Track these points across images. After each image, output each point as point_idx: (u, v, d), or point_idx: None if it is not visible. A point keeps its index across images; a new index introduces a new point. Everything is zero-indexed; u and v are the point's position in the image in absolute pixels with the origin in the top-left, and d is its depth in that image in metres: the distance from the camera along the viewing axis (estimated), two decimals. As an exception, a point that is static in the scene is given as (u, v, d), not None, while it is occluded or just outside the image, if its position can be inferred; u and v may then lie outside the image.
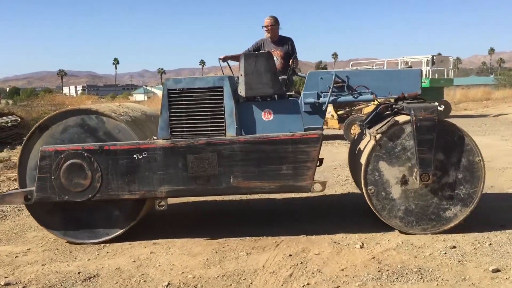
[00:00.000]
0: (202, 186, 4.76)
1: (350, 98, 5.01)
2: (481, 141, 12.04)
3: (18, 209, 6.55)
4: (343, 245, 4.61)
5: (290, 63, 5.45)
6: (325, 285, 3.76)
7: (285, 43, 5.86)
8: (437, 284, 3.70)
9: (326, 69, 71.58)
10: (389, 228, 4.84)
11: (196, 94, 4.82)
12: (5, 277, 4.15)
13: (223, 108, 4.81)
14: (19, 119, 16.69)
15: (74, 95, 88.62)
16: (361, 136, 5.48)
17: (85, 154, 4.72)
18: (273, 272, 4.06)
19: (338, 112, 13.73)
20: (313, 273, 4.00)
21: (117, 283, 3.97)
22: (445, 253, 4.28)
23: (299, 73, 5.78)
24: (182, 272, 4.12)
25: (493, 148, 10.80)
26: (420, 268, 3.98)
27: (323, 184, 4.82)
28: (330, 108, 13.37)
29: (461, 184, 4.70)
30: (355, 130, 12.38)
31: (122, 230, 4.92)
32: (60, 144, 4.82)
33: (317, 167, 6.05)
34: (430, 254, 4.27)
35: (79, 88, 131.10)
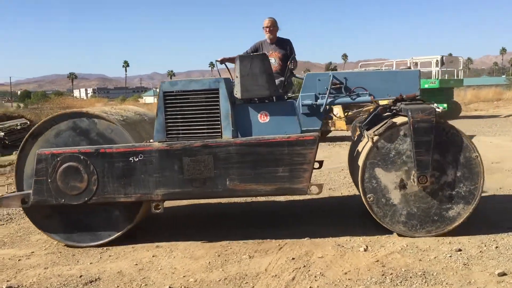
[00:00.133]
0: (198, 189, 4.74)
1: (347, 99, 4.95)
2: (491, 142, 11.93)
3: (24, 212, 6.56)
4: (347, 248, 4.56)
5: (288, 64, 5.40)
6: (327, 289, 3.71)
7: (283, 44, 5.83)
8: (442, 288, 3.64)
9: (336, 70, 71.37)
10: (394, 231, 4.78)
11: (192, 96, 4.80)
12: (7, 281, 4.16)
13: (219, 110, 4.78)
14: (28, 122, 16.82)
15: (85, 98, 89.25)
16: (360, 138, 5.43)
17: (81, 157, 4.73)
18: (276, 275, 4.01)
19: (346, 114, 13.62)
20: (315, 276, 3.95)
21: (118, 286, 3.95)
22: (451, 256, 4.20)
23: (297, 75, 5.73)
24: (184, 276, 4.09)
25: (503, 148, 10.66)
26: (424, 272, 3.91)
27: (320, 186, 4.77)
28: (338, 109, 13.28)
29: (461, 182, 4.63)
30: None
31: (119, 233, 4.91)
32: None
33: (318, 169, 6.03)
34: (435, 257, 4.20)
35: (90, 91, 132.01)
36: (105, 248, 4.87)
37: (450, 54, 26.01)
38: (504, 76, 68.27)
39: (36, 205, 4.81)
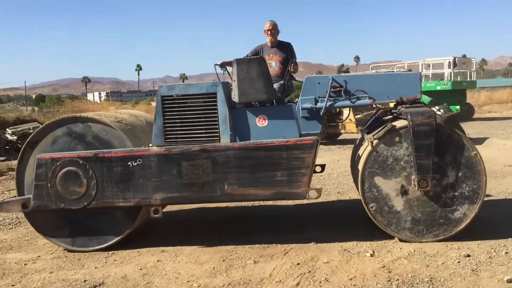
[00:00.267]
0: (197, 193, 4.72)
1: (347, 103, 4.91)
2: (504, 144, 11.75)
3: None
4: (353, 253, 4.50)
5: (288, 67, 5.37)
6: (331, 295, 3.67)
7: (284, 48, 5.79)
8: (448, 295, 3.57)
9: (349, 72, 71.08)
10: (402, 236, 4.70)
11: (190, 100, 4.79)
12: (12, 285, 4.17)
13: (216, 114, 4.76)
14: (41, 126, 16.96)
15: (98, 101, 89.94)
16: (361, 141, 5.37)
17: (80, 162, 4.74)
18: (280, 281, 3.97)
19: (356, 116, 13.55)
20: (320, 282, 3.90)
21: (121, 291, 3.94)
22: (459, 262, 4.12)
23: (297, 78, 5.69)
24: (188, 281, 4.07)
25: (516, 151, 10.49)
26: (431, 278, 3.84)
27: (319, 191, 4.71)
28: (348, 112, 13.20)
29: (463, 182, 4.55)
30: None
31: (118, 238, 4.91)
32: None
33: (320, 173, 5.97)
34: (442, 263, 4.12)
35: (103, 94, 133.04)
36: (110, 252, 4.87)
37: (464, 55, 25.75)
38: (519, 77, 67.34)
39: (37, 209, 4.84)
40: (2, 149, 14.61)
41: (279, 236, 5.05)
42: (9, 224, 6.31)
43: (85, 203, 4.76)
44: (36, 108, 52.09)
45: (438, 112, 4.54)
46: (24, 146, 4.99)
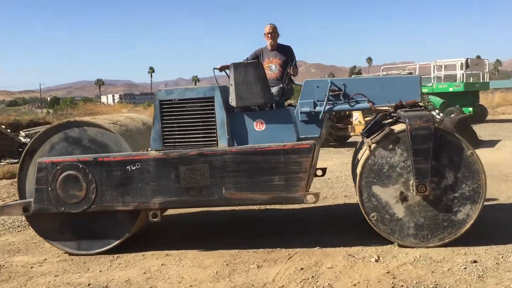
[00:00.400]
0: (195, 198, 4.72)
1: (346, 106, 4.89)
2: (516, 147, 11.57)
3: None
4: (358, 258, 4.45)
5: (287, 70, 5.35)
6: (334, 301, 3.63)
7: (284, 51, 5.76)
8: (453, 302, 3.51)
9: (361, 73, 70.68)
10: (407, 241, 4.64)
11: (188, 104, 4.80)
12: (17, 288, 4.21)
13: (214, 119, 4.76)
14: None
15: (112, 103, 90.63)
16: (361, 145, 5.33)
17: (80, 166, 4.77)
18: (283, 286, 3.95)
19: (366, 118, 13.47)
20: (323, 288, 3.87)
21: (124, 296, 3.95)
22: (465, 268, 4.06)
23: (296, 82, 5.66)
24: (190, 285, 4.06)
25: (528, 154, 10.34)
26: (436, 284, 3.79)
27: (316, 195, 4.68)
28: (357, 114, 13.14)
29: (462, 183, 4.49)
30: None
31: (118, 241, 4.93)
32: None
33: (322, 177, 5.94)
34: (448, 269, 4.06)
35: (116, 96, 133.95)
36: (115, 255, 4.89)
37: (478, 56, 25.47)
38: (534, 78, 66.37)
39: (37, 213, 4.89)
40: (16, 151, 14.77)
41: (284, 240, 5.03)
42: (18, 226, 6.37)
43: (85, 207, 4.80)
44: (51, 111, 52.71)
45: (437, 116, 4.48)
46: (23, 154, 5.06)
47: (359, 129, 13.54)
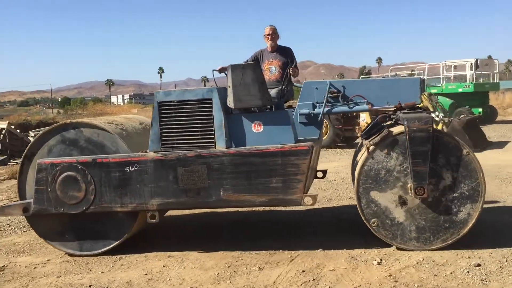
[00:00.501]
0: (193, 199, 4.71)
1: (345, 108, 4.86)
2: (525, 148, 11.45)
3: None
4: (361, 261, 4.42)
5: (287, 71, 5.32)
6: (334, 305, 3.61)
7: (284, 52, 5.75)
8: (455, 306, 3.47)
9: (370, 74, 70.39)
10: (411, 244, 4.60)
11: (186, 106, 4.80)
12: (19, 289, 4.23)
13: (212, 120, 4.75)
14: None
15: (122, 104, 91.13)
16: (361, 146, 5.31)
17: (79, 167, 4.80)
18: (283, 289, 3.93)
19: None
20: (324, 291, 3.85)
21: (125, 297, 3.96)
22: (468, 271, 4.01)
23: (295, 84, 5.64)
24: (191, 287, 4.06)
25: (538, 156, 10.22)
26: (438, 288, 3.75)
27: (314, 197, 4.64)
28: (365, 116, 13.07)
29: (461, 182, 4.44)
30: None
31: (116, 242, 4.94)
32: None
33: (322, 179, 5.91)
34: (451, 273, 4.02)
35: (126, 97, 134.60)
36: (118, 256, 4.90)
37: (490, 57, 25.21)
38: (546, 78, 65.64)
39: (37, 213, 4.92)
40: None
41: (287, 242, 5.01)
42: (24, 227, 6.40)
43: (84, 208, 4.82)
44: (61, 111, 53.12)
45: (436, 118, 4.44)
46: (22, 159, 5.10)
47: (366, 130, 13.47)
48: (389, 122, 4.84)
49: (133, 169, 4.73)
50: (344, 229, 5.49)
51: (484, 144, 11.83)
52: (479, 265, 4.13)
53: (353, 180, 5.67)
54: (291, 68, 5.36)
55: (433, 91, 18.54)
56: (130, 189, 4.75)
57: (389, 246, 4.65)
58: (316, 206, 6.63)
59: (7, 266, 4.87)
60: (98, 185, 4.79)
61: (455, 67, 20.67)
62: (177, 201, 4.74)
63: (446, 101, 18.61)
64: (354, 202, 6.70)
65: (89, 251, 4.99)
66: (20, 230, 6.31)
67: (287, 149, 4.59)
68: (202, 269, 4.47)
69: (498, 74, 21.28)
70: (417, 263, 4.27)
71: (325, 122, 13.62)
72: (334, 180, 8.49)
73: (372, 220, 4.57)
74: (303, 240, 5.09)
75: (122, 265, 4.70)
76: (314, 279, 4.07)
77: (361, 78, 33.48)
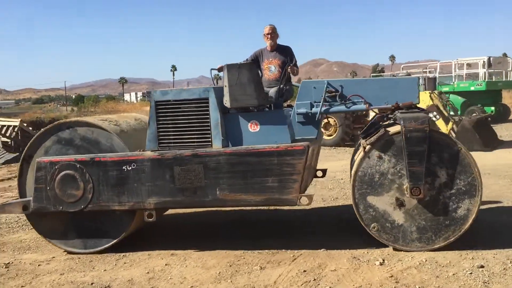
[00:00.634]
0: (189, 198, 4.72)
1: (343, 108, 4.85)
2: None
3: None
4: (363, 261, 4.39)
5: (285, 70, 5.30)
6: (333, 305, 3.59)
7: (283, 51, 5.72)
8: (455, 308, 3.43)
9: (384, 72, 69.90)
10: (414, 244, 4.56)
11: (183, 105, 4.80)
12: (22, 286, 4.27)
13: (208, 120, 4.76)
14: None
15: (135, 101, 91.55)
16: (359, 146, 5.28)
17: (78, 166, 4.83)
18: (283, 288, 3.92)
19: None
20: (324, 291, 3.83)
21: (126, 295, 3.98)
22: (471, 273, 3.96)
23: (293, 83, 5.62)
24: (191, 286, 4.07)
25: (550, 155, 10.06)
26: (439, 290, 3.71)
27: (310, 197, 4.62)
28: (373, 114, 12.97)
29: (457, 178, 4.40)
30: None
31: (114, 241, 4.97)
32: None
33: (321, 178, 5.88)
34: (453, 274, 3.97)
35: (139, 94, 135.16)
36: (121, 254, 4.93)
37: (505, 54, 24.89)
38: None
39: (36, 211, 4.98)
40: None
41: (290, 242, 5.00)
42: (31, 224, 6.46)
43: (82, 206, 4.86)
44: (75, 108, 53.63)
45: (433, 118, 4.39)
46: (20, 161, 5.15)
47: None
48: (387, 122, 4.80)
49: (130, 168, 4.75)
50: (347, 228, 5.45)
51: (494, 143, 11.69)
52: (482, 266, 4.08)
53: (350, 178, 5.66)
54: (289, 67, 5.34)
55: (445, 89, 18.37)
56: (128, 188, 4.78)
57: (392, 246, 4.62)
58: (321, 205, 6.64)
59: (12, 263, 4.93)
60: (96, 184, 4.82)
61: (467, 65, 20.44)
62: (173, 200, 4.76)
63: (458, 100, 18.42)
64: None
65: (87, 249, 5.03)
66: (27, 227, 6.35)
67: (283, 148, 4.58)
68: (203, 267, 4.48)
69: (511, 72, 20.96)
70: (419, 264, 4.23)
71: (334, 121, 13.57)
72: (341, 179, 8.45)
73: (372, 225, 4.55)
74: (306, 240, 5.07)
75: (125, 263, 4.73)
76: (315, 279, 4.05)
77: (372, 76, 33.26)
